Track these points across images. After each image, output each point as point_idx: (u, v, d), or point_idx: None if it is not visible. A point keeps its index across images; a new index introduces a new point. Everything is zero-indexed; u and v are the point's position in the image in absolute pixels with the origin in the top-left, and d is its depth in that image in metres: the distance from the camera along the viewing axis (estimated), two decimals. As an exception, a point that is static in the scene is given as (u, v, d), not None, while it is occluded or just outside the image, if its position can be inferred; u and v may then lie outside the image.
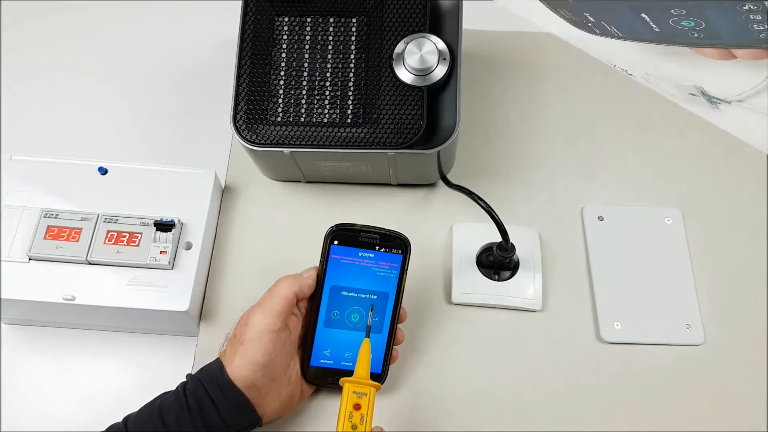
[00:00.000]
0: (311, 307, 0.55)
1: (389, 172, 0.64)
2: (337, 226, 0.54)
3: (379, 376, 0.55)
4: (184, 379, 0.52)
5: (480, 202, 0.59)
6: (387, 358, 0.55)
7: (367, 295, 0.55)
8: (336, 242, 0.54)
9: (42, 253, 0.58)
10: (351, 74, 0.60)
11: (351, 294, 0.55)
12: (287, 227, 0.67)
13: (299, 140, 0.59)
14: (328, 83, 0.60)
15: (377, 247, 0.55)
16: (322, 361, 0.55)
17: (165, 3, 0.82)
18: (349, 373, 0.54)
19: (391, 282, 0.55)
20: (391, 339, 0.55)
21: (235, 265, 0.65)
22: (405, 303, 0.56)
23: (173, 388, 0.52)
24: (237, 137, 0.59)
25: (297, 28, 0.61)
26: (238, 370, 0.50)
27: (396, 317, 0.55)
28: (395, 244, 0.55)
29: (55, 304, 0.57)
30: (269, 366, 0.51)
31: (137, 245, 0.59)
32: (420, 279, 0.64)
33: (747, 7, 0.53)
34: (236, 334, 0.52)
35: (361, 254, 0.55)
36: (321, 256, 0.55)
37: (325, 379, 0.55)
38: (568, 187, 0.70)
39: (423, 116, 0.58)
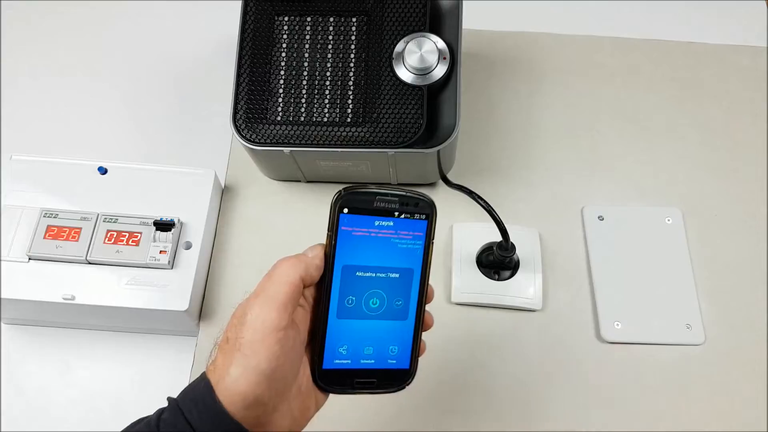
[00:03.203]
0: (319, 294, 0.45)
1: (389, 172, 0.64)
2: (345, 189, 0.44)
3: (406, 373, 0.46)
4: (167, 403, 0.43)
5: (480, 201, 0.59)
6: (415, 349, 0.46)
7: (388, 274, 0.46)
8: (346, 210, 0.44)
9: (42, 253, 0.58)
10: (351, 73, 0.60)
11: (368, 274, 0.45)
12: (287, 227, 0.67)
13: (299, 139, 0.59)
14: (328, 82, 0.60)
15: (397, 213, 0.45)
16: (338, 361, 0.45)
17: (165, 3, 0.82)
18: (371, 373, 0.46)
19: (416, 255, 0.46)
20: (419, 325, 0.46)
21: (235, 265, 0.65)
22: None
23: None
24: (237, 137, 0.59)
25: (297, 28, 0.61)
26: (237, 385, 0.38)
27: (423, 298, 0.46)
28: (418, 207, 0.45)
29: (54, 304, 0.57)
30: (277, 374, 0.40)
31: (137, 245, 0.59)
32: (420, 279, 0.64)
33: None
34: (229, 338, 0.40)
35: (377, 223, 0.45)
36: (328, 230, 0.45)
37: (342, 383, 0.45)
38: (569, 186, 0.70)
39: (423, 115, 0.58)
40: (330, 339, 0.45)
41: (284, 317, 0.40)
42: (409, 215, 0.45)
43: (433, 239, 0.46)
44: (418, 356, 0.46)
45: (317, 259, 0.44)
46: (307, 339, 0.44)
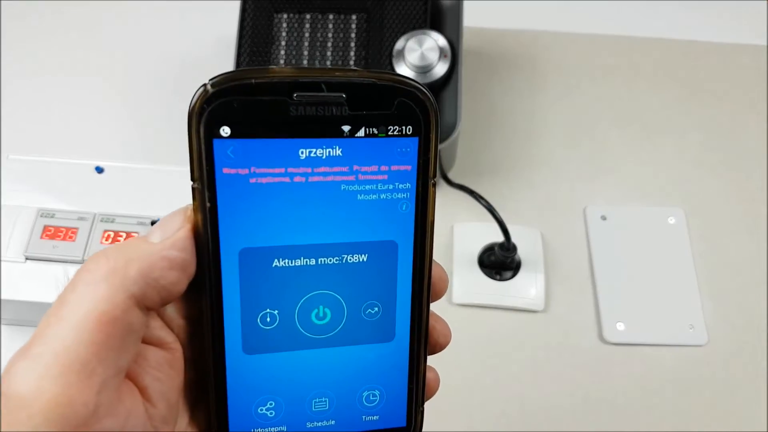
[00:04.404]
0: (201, 311, 0.24)
1: (389, 171, 0.64)
2: (217, 83, 0.21)
3: None
4: None
5: (481, 201, 0.58)
6: (414, 389, 0.28)
7: (344, 258, 0.24)
8: (226, 131, 0.22)
9: (38, 253, 0.57)
10: (351, 72, 0.59)
11: (300, 262, 0.24)
12: (286, 227, 0.66)
13: (298, 139, 0.58)
14: (327, 81, 0.59)
15: (348, 129, 0.22)
16: (258, 431, 0.25)
17: (163, 1, 0.81)
18: None
19: (400, 213, 0.24)
20: (420, 344, 0.28)
21: (233, 265, 0.64)
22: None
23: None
24: (235, 136, 0.59)
25: (296, 25, 0.60)
26: None
27: (425, 293, 0.27)
28: (396, 109, 0.22)
29: (51, 305, 0.57)
30: None
31: (134, 245, 0.58)
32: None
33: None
34: None
35: (305, 153, 0.22)
36: (193, 179, 0.22)
37: None
38: (571, 186, 0.69)
39: (424, 114, 0.57)
40: (236, 393, 0.24)
41: (88, 398, 0.20)
42: (378, 130, 0.22)
43: (433, 177, 0.24)
44: (423, 400, 0.28)
45: (174, 246, 0.22)
46: (183, 402, 0.24)
